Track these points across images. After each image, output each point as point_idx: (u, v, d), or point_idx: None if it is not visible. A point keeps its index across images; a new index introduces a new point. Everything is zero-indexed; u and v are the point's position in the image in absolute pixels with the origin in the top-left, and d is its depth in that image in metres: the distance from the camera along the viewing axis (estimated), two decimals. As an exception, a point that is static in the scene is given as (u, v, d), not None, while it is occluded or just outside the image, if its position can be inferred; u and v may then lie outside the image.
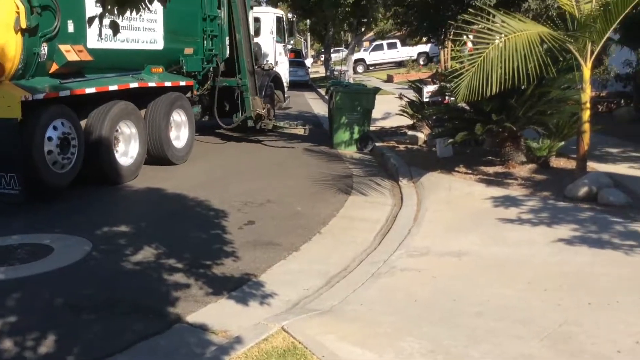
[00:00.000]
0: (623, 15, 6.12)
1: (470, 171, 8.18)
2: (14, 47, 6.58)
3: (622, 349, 3.18)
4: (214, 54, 11.20)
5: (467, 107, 8.07)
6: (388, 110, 14.87)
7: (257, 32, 14.37)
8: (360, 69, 39.46)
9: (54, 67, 7.27)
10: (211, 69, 11.38)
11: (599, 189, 6.14)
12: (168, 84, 9.50)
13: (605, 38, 6.34)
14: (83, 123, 7.83)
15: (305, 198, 7.39)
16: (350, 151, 11.11)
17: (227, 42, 11.90)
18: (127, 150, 8.52)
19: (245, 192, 7.60)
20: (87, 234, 5.69)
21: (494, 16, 6.11)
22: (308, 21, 38.20)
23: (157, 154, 9.27)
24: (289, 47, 16.31)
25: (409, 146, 10.81)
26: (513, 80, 5.94)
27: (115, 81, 8.27)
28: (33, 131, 6.83)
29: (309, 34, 46.45)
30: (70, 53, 7.37)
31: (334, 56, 41.30)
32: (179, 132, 10.02)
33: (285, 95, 15.31)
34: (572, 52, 6.46)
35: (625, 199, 5.99)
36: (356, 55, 39.49)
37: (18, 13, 6.49)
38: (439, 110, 8.39)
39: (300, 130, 11.62)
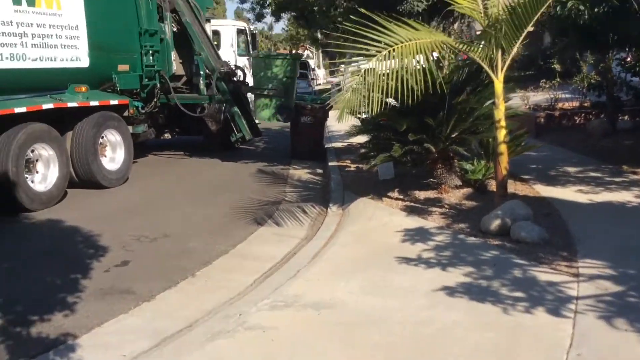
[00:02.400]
0: (535, 18, 5.36)
1: (402, 196, 7.46)
2: None
3: None
4: (156, 70, 10.68)
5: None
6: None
7: (217, 46, 13.85)
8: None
9: (-55, 92, 6.80)
10: (157, 85, 10.87)
11: (513, 221, 5.37)
12: (94, 103, 8.97)
13: (517, 46, 5.55)
14: (-12, 149, 7.37)
15: (208, 231, 6.75)
16: (302, 172, 10.45)
17: (174, 57, 11.45)
18: (46, 174, 8.03)
19: (148, 223, 7.00)
20: None
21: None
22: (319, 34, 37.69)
23: (85, 177, 8.78)
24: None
25: (360, 165, 10.09)
26: (403, 96, 5.23)
27: (23, 103, 7.77)
28: None
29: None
30: (-40, 77, 6.89)
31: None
32: (115, 153, 9.52)
33: (252, 110, 14.74)
34: (477, 62, 5.71)
35: (539, 234, 5.19)
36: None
37: None
38: (359, 129, 7.66)
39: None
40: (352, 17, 5.40)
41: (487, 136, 6.74)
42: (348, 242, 6.05)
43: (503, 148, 5.79)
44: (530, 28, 5.39)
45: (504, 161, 5.82)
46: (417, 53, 5.21)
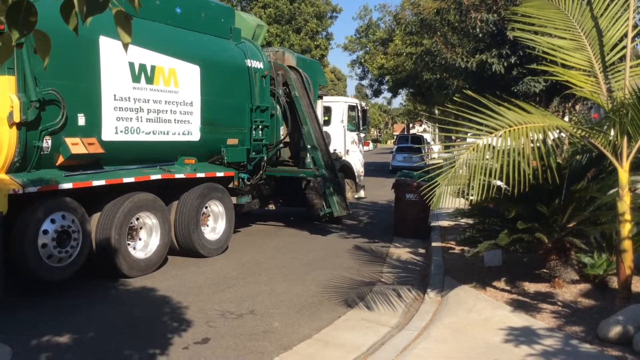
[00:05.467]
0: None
1: (508, 287, 6.77)
2: (7, 141, 6.56)
3: None
4: (264, 144, 10.86)
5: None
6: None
7: (328, 122, 13.98)
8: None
9: (61, 160, 7.21)
10: (264, 158, 11.04)
11: (636, 329, 4.56)
12: (201, 175, 9.16)
13: (646, 132, 4.88)
14: (97, 216, 7.68)
15: (295, 311, 6.45)
16: (402, 251, 9.99)
17: (283, 132, 11.64)
18: (148, 242, 8.21)
19: (237, 298, 6.84)
20: (20, 341, 5.24)
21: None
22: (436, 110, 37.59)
23: (186, 246, 8.92)
24: (364, 134, 15.73)
25: (466, 248, 9.43)
26: (513, 180, 4.74)
27: (132, 173, 8.04)
28: (26, 224, 6.70)
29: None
30: (78, 146, 7.28)
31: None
32: (216, 223, 9.62)
33: (360, 184, 14.59)
34: (599, 148, 5.08)
35: (671, 349, 4.36)
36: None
37: (12, 107, 6.53)
38: (462, 212, 7.10)
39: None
40: (455, 98, 5.10)
41: (609, 228, 5.97)
42: (442, 337, 5.46)
43: (627, 245, 5.04)
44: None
45: (627, 259, 5.06)
46: (527, 137, 4.73)
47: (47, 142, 7.01)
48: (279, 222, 12.89)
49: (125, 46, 1.93)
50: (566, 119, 9.63)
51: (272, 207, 12.92)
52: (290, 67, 11.71)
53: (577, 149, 6.44)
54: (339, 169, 12.91)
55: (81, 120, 7.40)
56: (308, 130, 11.30)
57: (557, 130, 5.67)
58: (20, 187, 6.56)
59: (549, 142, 5.51)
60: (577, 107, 9.90)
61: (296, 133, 11.84)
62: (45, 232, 6.85)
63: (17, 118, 6.56)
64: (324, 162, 11.37)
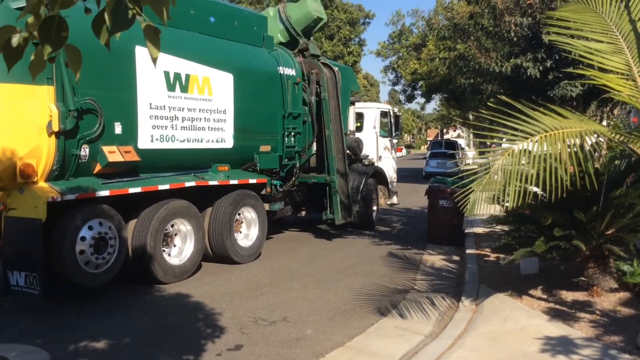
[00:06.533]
0: None
1: (545, 296, 6.63)
2: (46, 149, 6.74)
3: None
4: (296, 150, 10.89)
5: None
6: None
7: (360, 128, 13.93)
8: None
9: (98, 168, 7.36)
10: (297, 165, 11.06)
11: (680, 342, 4.41)
12: (234, 182, 9.24)
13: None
14: (133, 222, 7.82)
15: (327, 318, 6.43)
16: (436, 258, 9.88)
17: (314, 138, 11.63)
18: (182, 248, 8.32)
19: (270, 305, 6.87)
20: (58, 346, 5.35)
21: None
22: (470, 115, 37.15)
23: (219, 252, 9.00)
24: (396, 140, 15.61)
25: (501, 255, 9.27)
26: (550, 187, 4.64)
27: (167, 180, 8.16)
28: (65, 231, 6.86)
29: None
30: (114, 154, 7.42)
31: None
32: (249, 230, 9.68)
33: (393, 191, 14.50)
34: (638, 154, 4.94)
35: None
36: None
37: (51, 117, 6.71)
38: (497, 219, 6.99)
39: None
40: (490, 103, 5.03)
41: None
42: (477, 347, 5.38)
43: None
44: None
45: (671, 266, 4.90)
46: (563, 143, 4.64)
47: (84, 151, 7.17)
48: (311, 228, 12.90)
49: (154, 60, 1.95)
50: (604, 123, 9.41)
51: (304, 213, 12.93)
52: (325, 64, 11.59)
53: (616, 154, 6.29)
54: (372, 175, 12.87)
55: (118, 128, 7.55)
56: (329, 134, 11.18)
57: (595, 135, 5.54)
58: (58, 195, 6.72)
59: (587, 147, 5.38)
60: (615, 112, 9.67)
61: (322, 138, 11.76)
62: (83, 238, 6.99)
63: (55, 127, 6.73)
64: (337, 169, 11.17)
